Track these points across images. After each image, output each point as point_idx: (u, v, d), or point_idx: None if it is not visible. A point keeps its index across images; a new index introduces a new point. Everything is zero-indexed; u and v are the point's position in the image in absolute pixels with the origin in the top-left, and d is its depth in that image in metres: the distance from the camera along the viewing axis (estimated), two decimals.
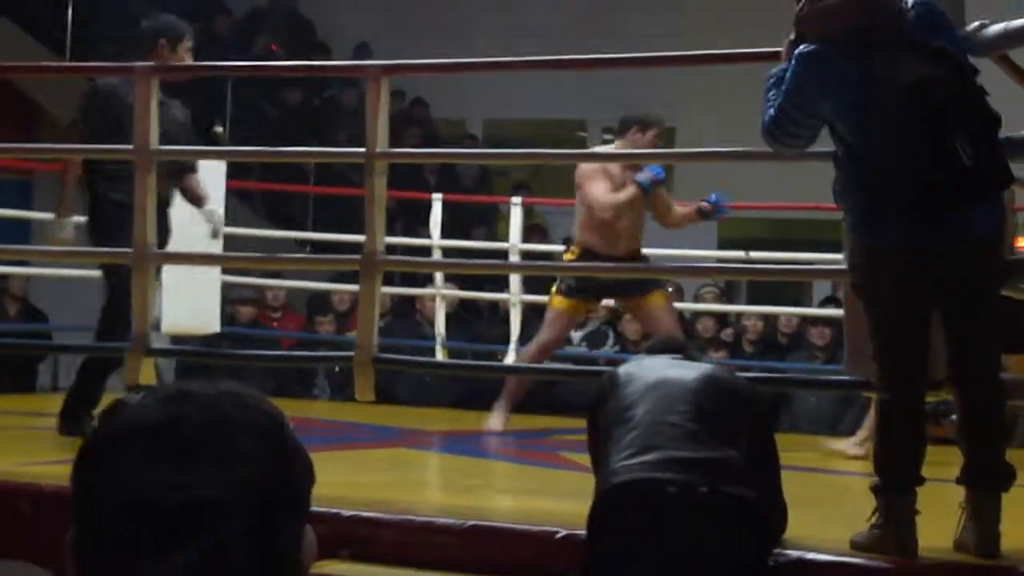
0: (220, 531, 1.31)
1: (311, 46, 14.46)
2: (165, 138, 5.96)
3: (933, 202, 4.11)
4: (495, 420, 7.76)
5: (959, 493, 4.29)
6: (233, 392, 1.40)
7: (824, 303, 10.89)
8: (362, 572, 4.43)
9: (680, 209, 7.95)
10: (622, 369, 4.37)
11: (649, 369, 4.27)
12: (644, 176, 7.54)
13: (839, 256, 7.68)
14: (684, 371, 4.25)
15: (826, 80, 4.24)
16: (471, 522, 4.56)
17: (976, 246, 4.26)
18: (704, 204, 7.83)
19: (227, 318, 9.84)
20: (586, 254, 7.63)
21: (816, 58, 4.26)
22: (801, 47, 4.31)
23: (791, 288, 13.03)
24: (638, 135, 7.57)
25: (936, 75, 4.10)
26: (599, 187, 7.57)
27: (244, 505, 1.33)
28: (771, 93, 4.37)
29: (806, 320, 10.20)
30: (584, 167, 7.76)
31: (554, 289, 7.85)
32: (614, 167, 7.68)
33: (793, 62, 4.31)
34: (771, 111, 4.33)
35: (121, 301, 6.04)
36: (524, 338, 8.79)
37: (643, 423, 4.03)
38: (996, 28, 4.50)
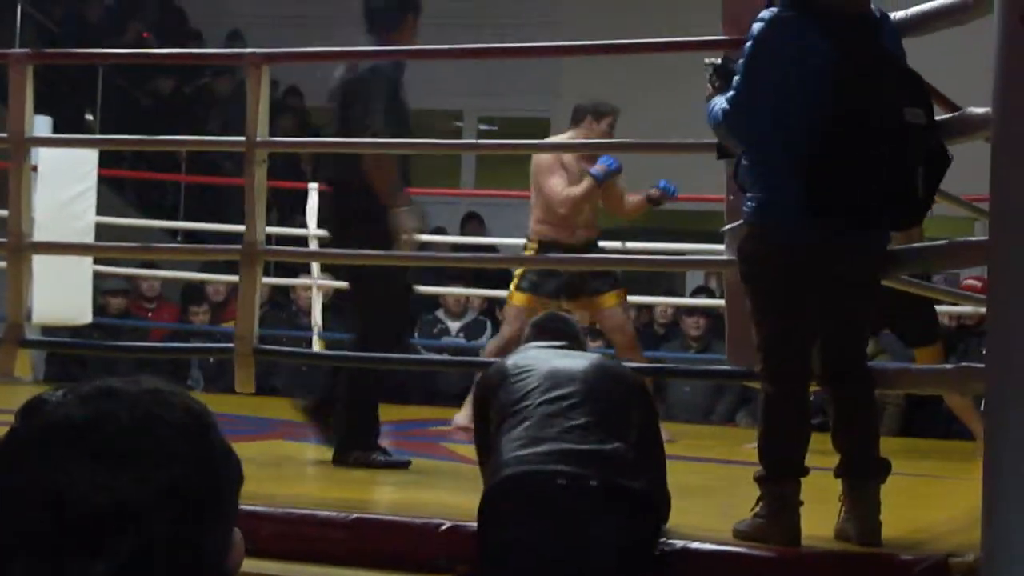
0: (144, 534, 1.28)
1: (183, 34, 14.28)
2: None
3: (869, 213, 4.13)
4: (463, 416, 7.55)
5: (839, 482, 4.34)
6: (157, 389, 1.36)
7: (696, 293, 10.98)
8: (245, 565, 4.37)
9: (631, 198, 7.91)
10: (510, 360, 4.36)
11: (538, 360, 4.27)
12: (598, 168, 7.53)
13: (711, 247, 7.77)
14: (573, 361, 4.25)
15: (796, 46, 4.14)
16: (355, 514, 4.52)
17: (878, 259, 4.37)
18: (653, 191, 7.80)
19: (97, 309, 9.69)
20: (545, 247, 7.57)
21: (788, 24, 4.17)
22: (767, 12, 4.23)
23: (664, 279, 13.11)
24: (593, 124, 7.58)
25: (914, 96, 4.11)
26: (556, 181, 7.53)
27: (169, 507, 1.29)
28: (716, 97, 4.31)
29: (680, 310, 10.26)
30: (541, 160, 7.69)
31: (513, 286, 7.78)
32: (568, 158, 7.63)
33: (759, 26, 4.20)
34: (723, 103, 4.25)
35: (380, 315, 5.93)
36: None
37: (534, 415, 4.02)
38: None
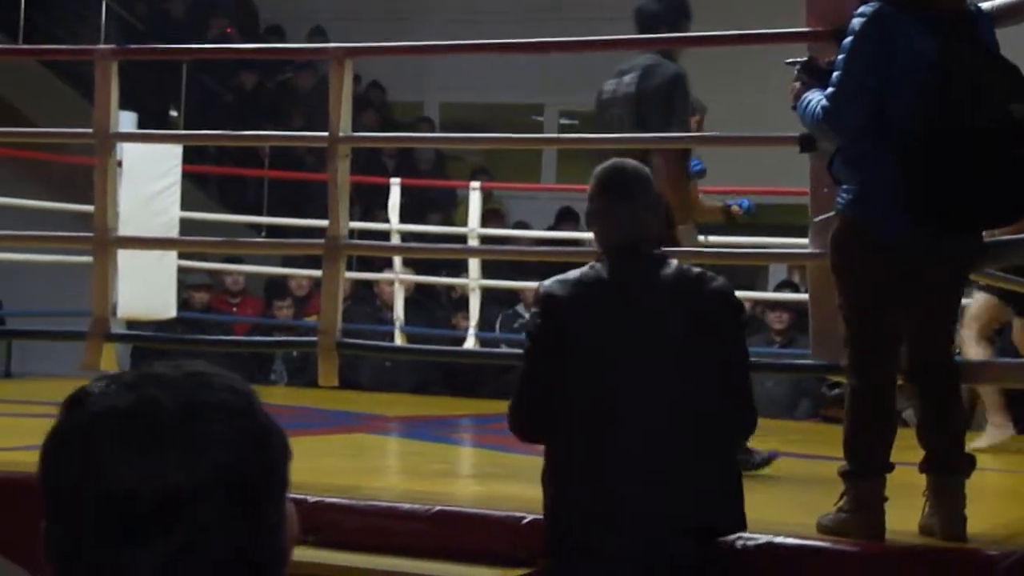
0: (197, 518, 1.28)
1: (265, 29, 14.38)
2: None
3: (968, 219, 4.11)
4: None
5: (923, 477, 4.31)
6: (199, 372, 1.36)
7: (780, 287, 10.91)
8: (328, 558, 4.41)
9: (706, 203, 7.70)
10: None
11: None
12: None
13: (794, 240, 7.71)
14: None
15: (898, 41, 4.10)
16: (437, 507, 4.54)
17: (973, 256, 4.34)
18: (735, 207, 7.56)
19: (181, 304, 9.77)
20: None
21: (888, 18, 4.14)
22: (867, 7, 4.18)
23: (746, 273, 13.04)
24: None
25: (1018, 90, 4.06)
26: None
27: (220, 489, 1.29)
28: (809, 93, 4.28)
29: (762, 304, 10.21)
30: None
31: None
32: None
33: (859, 21, 4.16)
34: (821, 99, 4.20)
35: None
36: (483, 323, 8.75)
37: None
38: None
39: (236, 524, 1.30)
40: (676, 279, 3.84)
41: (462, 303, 9.94)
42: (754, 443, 4.50)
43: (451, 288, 10.91)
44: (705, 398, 3.78)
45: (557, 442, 3.82)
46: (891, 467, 4.25)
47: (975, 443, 4.81)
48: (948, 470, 4.26)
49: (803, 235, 5.80)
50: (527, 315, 10.29)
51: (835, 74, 4.18)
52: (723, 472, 3.85)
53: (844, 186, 4.26)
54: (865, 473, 4.21)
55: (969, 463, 4.29)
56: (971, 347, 7.02)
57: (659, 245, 4.03)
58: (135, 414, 1.31)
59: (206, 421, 1.31)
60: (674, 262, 3.93)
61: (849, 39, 4.18)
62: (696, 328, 3.80)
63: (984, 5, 4.39)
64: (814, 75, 4.35)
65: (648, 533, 3.70)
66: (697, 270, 3.94)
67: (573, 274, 3.86)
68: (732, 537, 4.08)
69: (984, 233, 4.37)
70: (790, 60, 4.49)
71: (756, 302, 10.27)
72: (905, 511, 4.27)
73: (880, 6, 4.16)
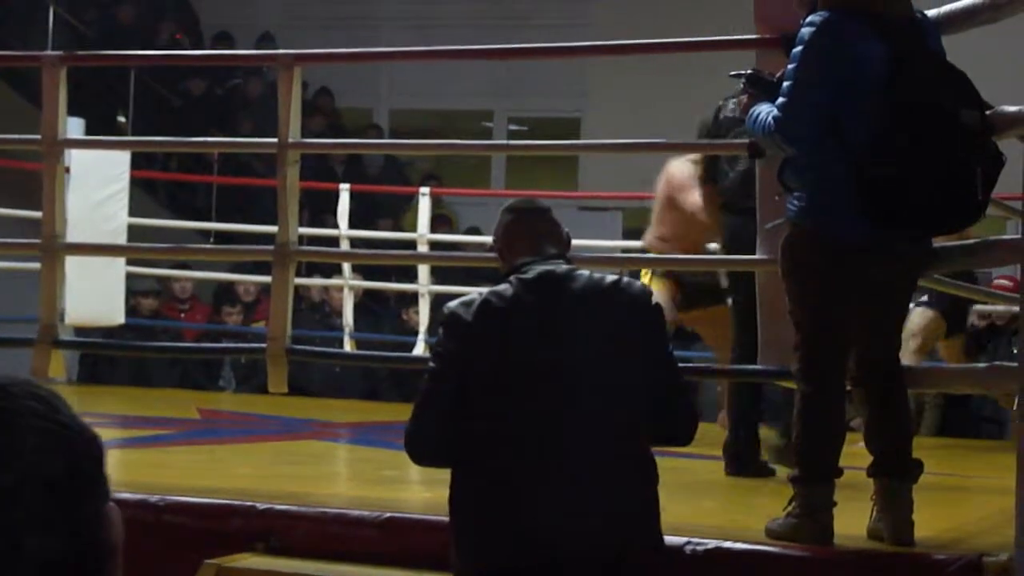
0: (6, 524, 1.28)
1: (214, 35, 14.34)
2: None
3: (925, 222, 4.14)
4: None
5: (870, 481, 4.33)
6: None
7: None
8: (277, 565, 4.40)
9: None
10: None
11: None
12: None
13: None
14: None
15: (848, 49, 4.12)
16: (387, 514, 4.53)
17: (922, 260, 4.38)
18: None
19: (130, 310, 9.74)
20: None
21: (841, 26, 4.15)
22: (817, 15, 4.19)
23: None
24: None
25: (968, 98, 4.10)
26: (697, 197, 6.85)
27: (28, 494, 1.29)
28: (758, 105, 4.29)
29: None
30: (678, 176, 6.99)
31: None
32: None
33: (810, 30, 4.17)
34: (772, 111, 4.20)
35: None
36: (431, 330, 8.73)
37: None
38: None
39: (49, 527, 1.30)
40: (589, 288, 3.74)
41: (413, 298, 9.94)
42: (699, 448, 4.50)
43: (402, 293, 10.91)
44: (626, 410, 3.69)
45: (471, 466, 3.70)
46: (840, 472, 4.27)
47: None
48: (896, 474, 4.28)
49: None
50: None
51: (785, 84, 4.20)
52: (643, 487, 3.72)
53: (795, 193, 4.28)
54: (815, 479, 4.23)
55: (917, 467, 4.32)
56: (909, 361, 7.07)
57: (567, 256, 3.94)
58: None
59: (10, 427, 1.31)
60: (585, 272, 3.83)
61: (799, 48, 4.20)
62: (614, 336, 3.71)
63: (930, 13, 4.42)
64: (760, 86, 4.37)
65: (572, 552, 3.63)
66: (612, 277, 3.82)
67: (482, 293, 3.76)
68: (680, 542, 4.09)
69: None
70: (734, 72, 4.50)
71: None
72: (853, 516, 4.30)
73: (829, 15, 4.19)
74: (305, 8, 14.77)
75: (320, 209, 11.35)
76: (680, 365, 4.00)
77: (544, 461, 3.63)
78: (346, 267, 9.84)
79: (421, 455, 3.85)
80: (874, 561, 4.15)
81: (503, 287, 3.75)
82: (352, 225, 9.71)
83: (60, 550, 1.31)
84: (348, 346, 9.37)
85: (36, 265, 6.21)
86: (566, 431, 3.65)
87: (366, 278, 10.42)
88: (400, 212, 12.99)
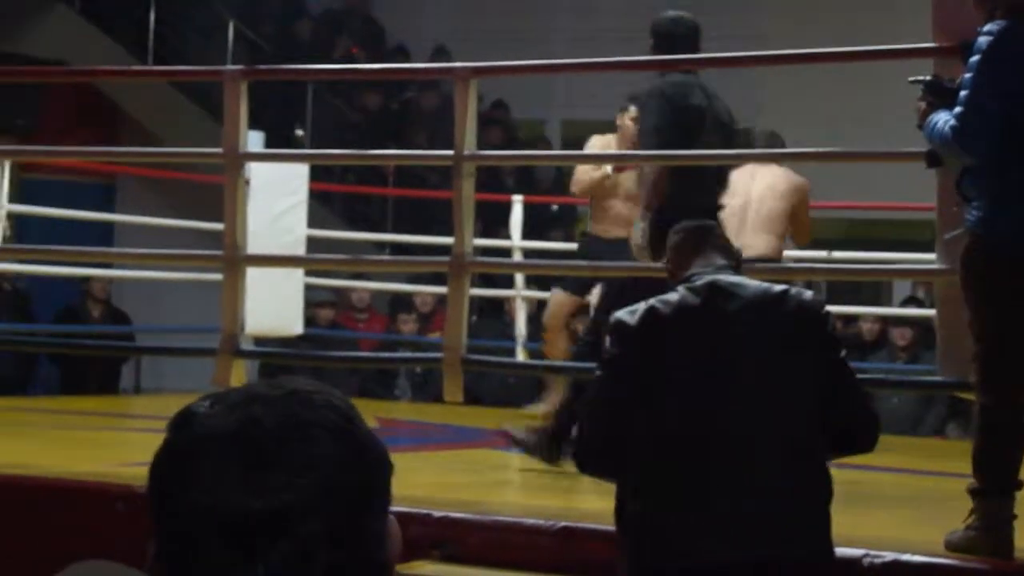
0: (300, 535, 1.30)
1: (389, 50, 14.51)
2: None
3: None
4: None
5: None
6: (299, 390, 1.38)
7: (905, 303, 10.82)
8: (452, 572, 4.44)
9: None
10: None
11: None
12: None
13: (919, 255, 7.63)
14: None
15: None
16: (562, 523, 4.55)
17: None
18: None
19: (307, 320, 9.90)
20: None
21: (1016, 35, 4.12)
22: (994, 24, 4.16)
23: (870, 288, 12.94)
24: None
25: None
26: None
27: (322, 506, 1.32)
28: (936, 113, 4.25)
29: (887, 320, 10.13)
30: (797, 185, 6.95)
31: None
32: None
33: (987, 39, 4.14)
34: (950, 119, 4.16)
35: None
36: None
37: None
38: None
39: (338, 539, 1.32)
40: (757, 296, 3.70)
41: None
42: (876, 460, 4.46)
43: None
44: (797, 415, 3.63)
45: (644, 474, 3.66)
46: (1021, 485, 4.20)
47: None
48: None
49: (917, 250, 5.80)
50: None
51: (963, 93, 4.15)
52: (815, 495, 3.65)
53: (974, 203, 4.23)
54: (995, 492, 4.17)
55: None
56: (557, 344, 7.06)
57: (738, 266, 3.92)
58: (238, 434, 1.34)
59: (307, 437, 1.34)
60: (754, 281, 3.80)
61: (976, 57, 4.15)
62: (783, 342, 3.66)
63: None
64: (939, 94, 4.31)
65: (747, 557, 3.58)
66: (781, 287, 3.78)
67: (649, 302, 3.73)
68: (859, 554, 4.06)
69: None
70: (913, 79, 4.45)
71: (880, 318, 10.20)
72: None
73: (1007, 23, 4.13)
74: (479, 21, 14.87)
75: (491, 221, 11.42)
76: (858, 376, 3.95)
77: (723, 466, 3.60)
78: (519, 278, 9.88)
79: (585, 464, 3.86)
80: None
81: (670, 295, 3.75)
82: (524, 237, 9.76)
83: (345, 564, 1.33)
84: (521, 356, 9.41)
85: (218, 276, 6.35)
86: (739, 436, 3.61)
87: (541, 290, 10.45)
88: (571, 223, 13.01)
